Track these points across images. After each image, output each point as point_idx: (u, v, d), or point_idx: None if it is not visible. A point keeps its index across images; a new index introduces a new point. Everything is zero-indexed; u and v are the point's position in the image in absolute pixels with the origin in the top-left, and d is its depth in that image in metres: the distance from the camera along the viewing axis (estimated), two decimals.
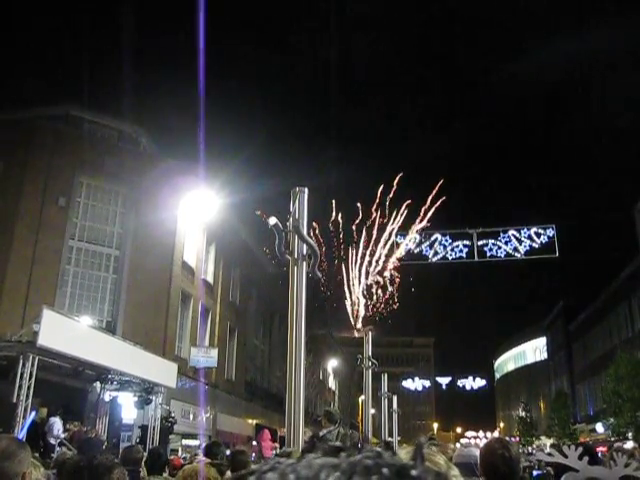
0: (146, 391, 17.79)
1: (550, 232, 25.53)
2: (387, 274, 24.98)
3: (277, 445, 19.44)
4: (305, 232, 2.07)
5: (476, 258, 25.34)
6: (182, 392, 22.70)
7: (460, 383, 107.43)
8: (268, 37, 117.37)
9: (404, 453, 1.62)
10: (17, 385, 11.83)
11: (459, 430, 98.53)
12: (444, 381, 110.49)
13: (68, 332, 13.31)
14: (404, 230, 25.22)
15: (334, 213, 22.65)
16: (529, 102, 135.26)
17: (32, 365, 12.20)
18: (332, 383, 59.54)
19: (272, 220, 2.02)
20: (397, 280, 24.92)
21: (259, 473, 0.51)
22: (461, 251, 25.36)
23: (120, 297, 22.57)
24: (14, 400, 11.75)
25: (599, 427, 41.90)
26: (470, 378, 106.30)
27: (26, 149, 21.78)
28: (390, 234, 24.66)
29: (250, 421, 33.31)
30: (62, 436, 14.02)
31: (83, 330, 14.87)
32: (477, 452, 3.91)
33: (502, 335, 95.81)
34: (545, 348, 71.48)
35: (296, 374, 1.97)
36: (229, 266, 31.00)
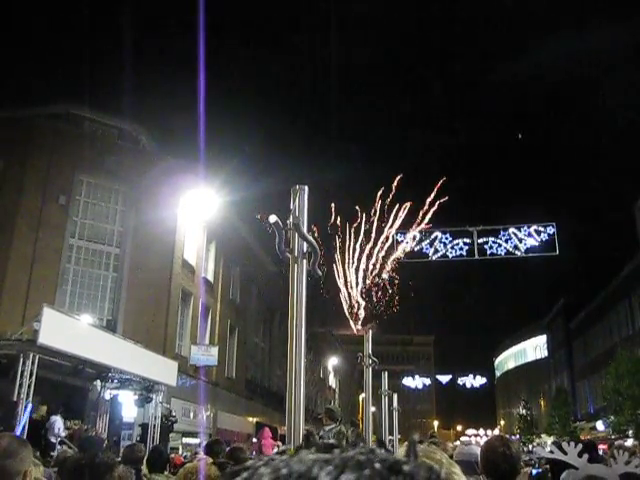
0: (146, 389, 17.79)
1: (550, 230, 25.50)
2: (386, 276, 24.90)
3: (279, 443, 19.44)
4: (305, 230, 2.07)
5: (476, 256, 25.31)
6: (182, 390, 22.72)
7: (460, 381, 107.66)
8: (268, 37, 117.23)
9: (403, 450, 1.62)
10: (17, 384, 11.82)
11: (459, 428, 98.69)
12: (444, 379, 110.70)
13: (68, 330, 13.32)
14: (404, 229, 25.16)
15: (333, 216, 22.74)
16: (529, 102, 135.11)
17: (32, 363, 12.18)
18: (332, 381, 59.56)
19: (272, 218, 2.02)
20: (396, 282, 24.90)
21: (253, 468, 0.51)
22: (461, 249, 25.33)
23: (120, 295, 22.59)
24: (14, 398, 11.75)
25: (599, 425, 41.95)
26: (470, 376, 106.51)
27: (26, 147, 21.77)
28: (390, 234, 24.61)
29: (250, 419, 33.35)
30: (63, 434, 14.02)
31: (83, 328, 14.89)
32: (478, 450, 3.91)
33: (502, 333, 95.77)
34: (545, 346, 71.54)
35: (296, 372, 1.97)
36: (229, 264, 31.01)
